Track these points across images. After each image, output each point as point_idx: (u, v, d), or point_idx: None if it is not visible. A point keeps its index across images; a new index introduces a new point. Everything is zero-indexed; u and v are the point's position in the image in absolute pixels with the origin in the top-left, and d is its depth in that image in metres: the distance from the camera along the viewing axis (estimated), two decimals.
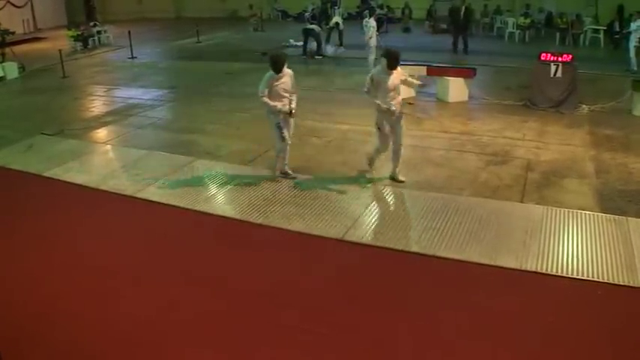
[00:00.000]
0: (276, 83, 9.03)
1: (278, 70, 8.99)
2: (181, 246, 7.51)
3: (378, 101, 8.88)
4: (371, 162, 9.59)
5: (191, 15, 36.53)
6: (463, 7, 22.34)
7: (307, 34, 22.18)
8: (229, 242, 7.63)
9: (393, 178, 9.32)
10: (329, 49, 23.16)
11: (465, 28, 22.59)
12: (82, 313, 6.00)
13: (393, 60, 8.82)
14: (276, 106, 9.03)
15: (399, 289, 6.40)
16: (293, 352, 5.45)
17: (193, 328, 5.79)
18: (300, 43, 23.05)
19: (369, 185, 9.16)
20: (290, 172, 9.59)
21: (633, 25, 18.48)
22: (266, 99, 9.05)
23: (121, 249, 7.47)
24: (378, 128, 9.15)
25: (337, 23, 24.03)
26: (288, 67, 9.11)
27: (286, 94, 9.15)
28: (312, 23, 22.48)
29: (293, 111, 9.18)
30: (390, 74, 8.87)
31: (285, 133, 9.24)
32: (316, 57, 21.81)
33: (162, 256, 7.27)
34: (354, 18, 30.34)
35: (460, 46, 22.27)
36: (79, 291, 6.43)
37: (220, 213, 8.40)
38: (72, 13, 36.50)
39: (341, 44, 23.96)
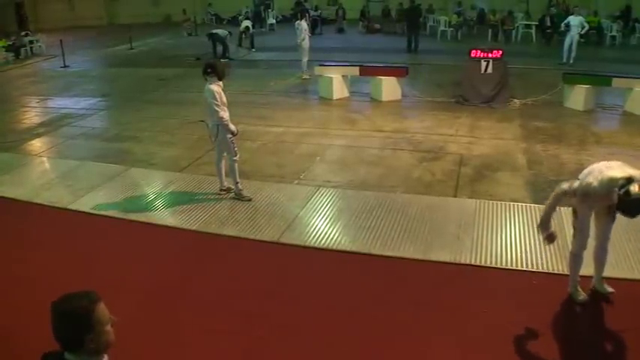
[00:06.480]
0: (223, 94, 8.29)
1: (223, 78, 8.35)
2: (113, 255, 7.27)
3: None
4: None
5: (124, 21, 35.71)
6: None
7: (213, 38, 22.58)
8: (163, 250, 7.44)
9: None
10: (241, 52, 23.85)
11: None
12: (13, 328, 5.78)
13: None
14: (234, 129, 8.38)
15: (335, 289, 6.35)
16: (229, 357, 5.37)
17: (125, 337, 5.65)
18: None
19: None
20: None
21: (574, 20, 18.89)
22: (227, 117, 8.27)
23: (53, 261, 7.20)
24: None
25: (247, 27, 24.65)
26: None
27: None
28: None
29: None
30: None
31: None
32: (222, 60, 21.79)
33: (94, 266, 7.03)
34: (289, 20, 30.42)
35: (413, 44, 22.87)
36: (10, 305, 6.19)
37: (155, 221, 8.20)
38: (3, 22, 35.36)
39: (252, 47, 24.56)
